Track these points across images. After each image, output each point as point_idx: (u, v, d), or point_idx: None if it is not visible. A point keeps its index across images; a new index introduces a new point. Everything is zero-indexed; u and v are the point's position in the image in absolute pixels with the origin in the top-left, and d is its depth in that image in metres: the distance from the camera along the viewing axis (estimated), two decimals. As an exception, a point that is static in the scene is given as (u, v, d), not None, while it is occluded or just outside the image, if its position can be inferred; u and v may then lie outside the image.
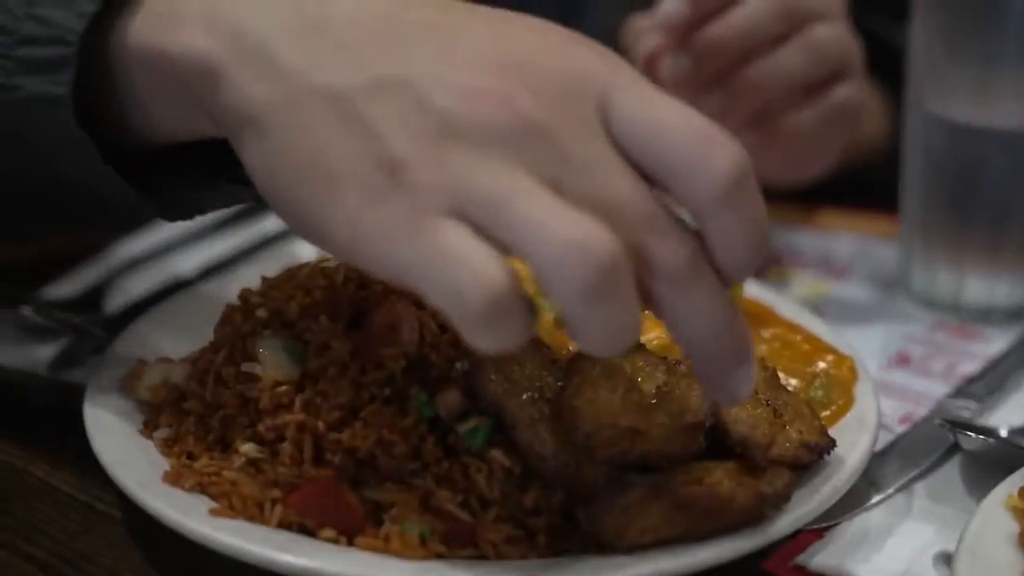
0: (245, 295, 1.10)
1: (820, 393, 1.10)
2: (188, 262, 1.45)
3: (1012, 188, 1.28)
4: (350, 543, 0.95)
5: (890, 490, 1.06)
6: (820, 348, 1.16)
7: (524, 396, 0.96)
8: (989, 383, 1.20)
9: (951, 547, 0.94)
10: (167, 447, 1.04)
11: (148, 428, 1.07)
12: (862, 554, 0.99)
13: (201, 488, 0.99)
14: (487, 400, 0.96)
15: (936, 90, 1.29)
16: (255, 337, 1.02)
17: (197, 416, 1.05)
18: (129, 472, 0.99)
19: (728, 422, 0.97)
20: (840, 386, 1.11)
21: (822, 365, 1.14)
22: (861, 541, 1.00)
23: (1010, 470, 1.00)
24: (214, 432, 1.03)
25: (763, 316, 1.21)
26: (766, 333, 1.17)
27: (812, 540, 1.00)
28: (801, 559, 0.98)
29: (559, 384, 0.97)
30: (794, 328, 1.19)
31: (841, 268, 1.45)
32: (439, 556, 0.93)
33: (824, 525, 1.01)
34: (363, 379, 0.98)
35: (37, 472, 1.12)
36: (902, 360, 1.27)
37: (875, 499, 1.04)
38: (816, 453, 0.99)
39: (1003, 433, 1.08)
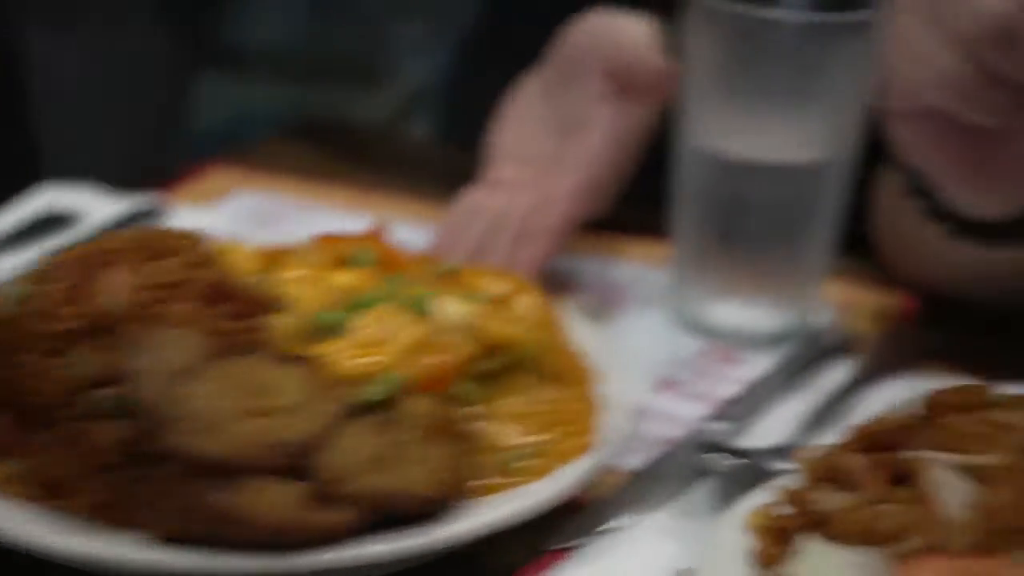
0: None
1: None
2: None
3: (772, 219, 1.32)
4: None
5: (639, 510, 1.08)
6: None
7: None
8: (745, 406, 1.24)
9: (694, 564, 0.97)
10: None
11: None
12: (605, 573, 1.01)
13: None
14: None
15: (704, 125, 1.33)
16: None
17: None
18: None
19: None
20: (573, 434, 1.10)
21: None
22: (606, 560, 1.02)
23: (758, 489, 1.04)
24: None
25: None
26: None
27: (557, 559, 1.02)
28: (544, 579, 1.00)
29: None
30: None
31: (619, 294, 1.48)
32: None
33: (569, 545, 1.03)
34: None
35: None
36: (668, 385, 1.30)
37: (623, 519, 1.07)
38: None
39: (750, 455, 1.12)
